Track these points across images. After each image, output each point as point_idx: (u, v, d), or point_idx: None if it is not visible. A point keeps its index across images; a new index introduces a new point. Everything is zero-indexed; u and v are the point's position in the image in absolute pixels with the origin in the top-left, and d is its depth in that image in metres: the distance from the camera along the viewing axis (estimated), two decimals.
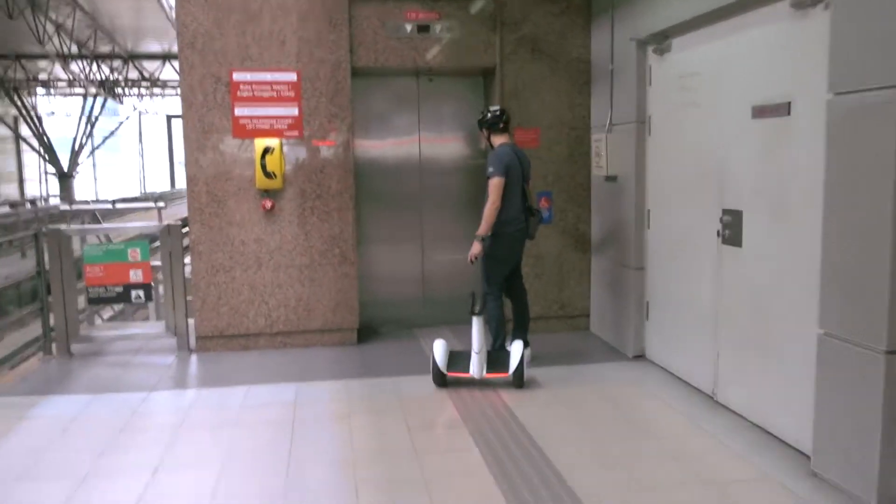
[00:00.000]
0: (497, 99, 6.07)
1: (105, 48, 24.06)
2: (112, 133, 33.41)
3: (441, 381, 4.92)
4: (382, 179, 6.45)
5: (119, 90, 30.07)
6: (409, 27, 5.90)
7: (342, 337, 6.07)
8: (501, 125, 5.25)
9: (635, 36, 5.24)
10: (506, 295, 5.36)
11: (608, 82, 5.77)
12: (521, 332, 5.38)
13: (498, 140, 5.25)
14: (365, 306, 6.36)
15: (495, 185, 5.01)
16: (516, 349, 4.91)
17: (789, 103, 3.77)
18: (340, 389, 4.92)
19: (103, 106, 30.21)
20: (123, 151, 38.26)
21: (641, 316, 5.53)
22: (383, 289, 6.56)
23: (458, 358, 5.04)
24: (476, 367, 4.90)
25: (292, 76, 5.74)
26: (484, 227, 5.03)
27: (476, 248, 5.06)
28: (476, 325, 4.91)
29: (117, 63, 26.92)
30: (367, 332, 6.37)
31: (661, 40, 5.06)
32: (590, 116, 6.21)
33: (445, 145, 6.55)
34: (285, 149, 5.79)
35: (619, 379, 5.11)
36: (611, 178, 5.80)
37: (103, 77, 27.11)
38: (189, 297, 5.95)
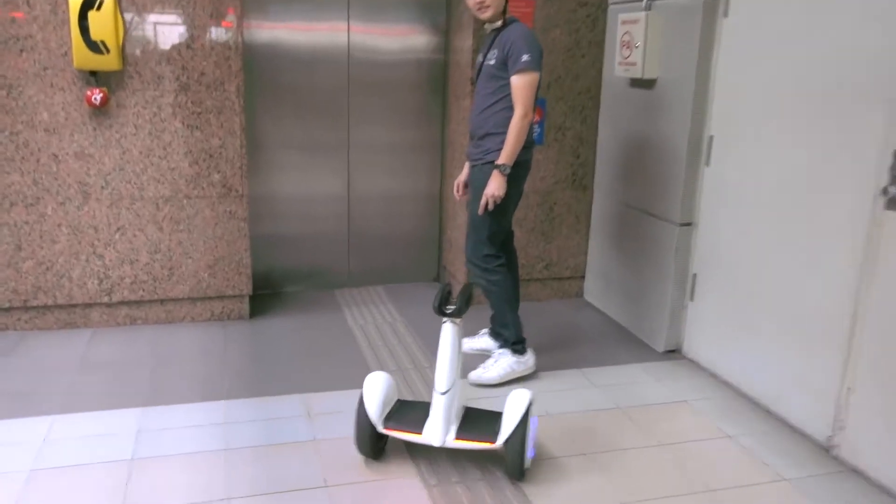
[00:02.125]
0: None
1: None
2: None
3: (371, 447, 2.60)
4: (289, 70, 4.21)
5: None
6: None
7: (225, 308, 3.97)
8: None
9: None
10: None
11: None
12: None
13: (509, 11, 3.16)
14: (261, 256, 4.26)
15: (529, 84, 2.97)
16: (517, 401, 2.56)
17: None
18: (213, 425, 2.89)
19: None
20: None
21: (682, 294, 3.71)
22: (289, 229, 4.44)
23: (405, 409, 2.72)
24: (440, 425, 2.55)
25: None
26: (510, 152, 3.01)
27: (499, 184, 3.04)
28: (450, 337, 2.56)
29: None
30: (263, 298, 4.29)
31: None
32: None
33: (388, 35, 4.32)
34: (125, 4, 3.46)
35: (660, 397, 3.31)
36: (644, 83, 3.82)
37: None
38: None
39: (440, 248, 4.71)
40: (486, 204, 3.06)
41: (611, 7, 4.13)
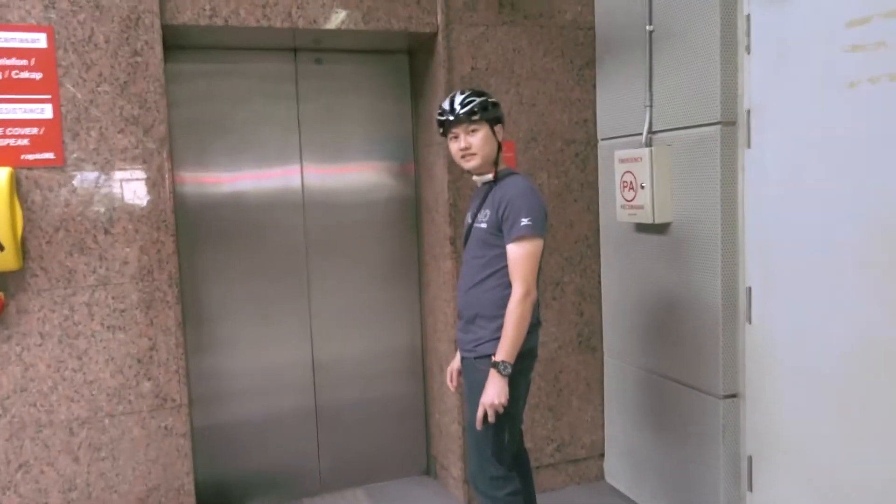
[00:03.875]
0: (442, 90, 3.40)
1: None
2: None
3: None
4: (235, 233, 3.59)
5: None
6: None
7: None
8: None
9: None
10: None
11: (640, 57, 3.24)
12: None
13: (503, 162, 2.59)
14: (209, 464, 3.47)
15: (531, 255, 2.36)
16: None
17: None
18: None
19: None
20: None
21: (736, 483, 2.98)
22: (244, 426, 3.65)
23: None
24: None
25: (38, 38, 2.82)
26: (511, 346, 2.33)
27: (499, 390, 2.32)
28: None
29: None
30: None
31: None
32: (595, 121, 3.67)
33: (349, 173, 3.77)
34: (25, 187, 2.84)
35: None
36: (655, 228, 3.26)
37: None
38: None
39: (428, 434, 3.95)
40: (486, 415, 2.35)
41: (601, 143, 3.63)
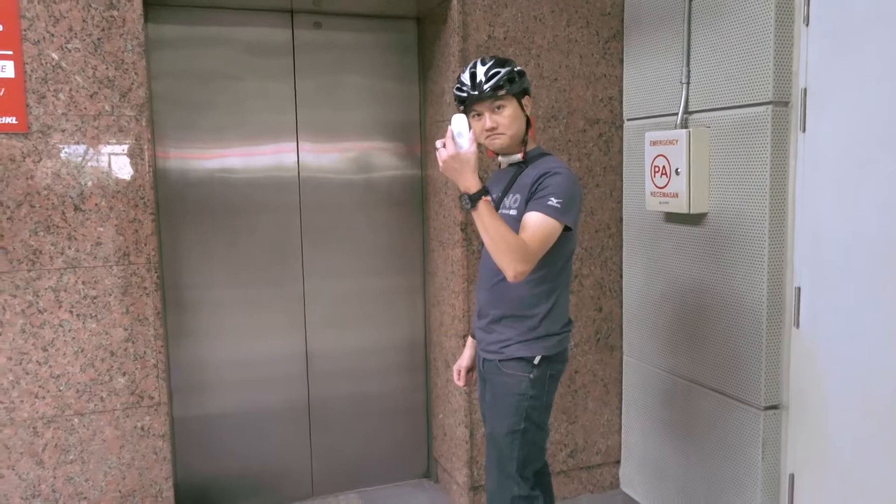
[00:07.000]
0: (456, 61, 3.07)
1: None
2: None
3: None
4: (223, 213, 3.25)
5: None
6: None
7: None
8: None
9: None
10: None
11: (676, 28, 2.92)
12: None
13: (532, 140, 2.30)
14: (190, 467, 3.16)
15: (549, 232, 2.03)
16: None
17: None
18: None
19: None
20: None
21: (774, 502, 2.70)
22: (230, 425, 3.34)
23: None
24: None
25: None
26: (490, 218, 1.97)
27: (458, 168, 2.02)
28: None
29: None
30: None
31: None
32: (621, 99, 3.35)
33: (350, 153, 3.44)
34: None
35: None
36: (688, 219, 2.95)
37: None
38: None
39: (429, 434, 3.65)
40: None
41: (627, 124, 3.31)
